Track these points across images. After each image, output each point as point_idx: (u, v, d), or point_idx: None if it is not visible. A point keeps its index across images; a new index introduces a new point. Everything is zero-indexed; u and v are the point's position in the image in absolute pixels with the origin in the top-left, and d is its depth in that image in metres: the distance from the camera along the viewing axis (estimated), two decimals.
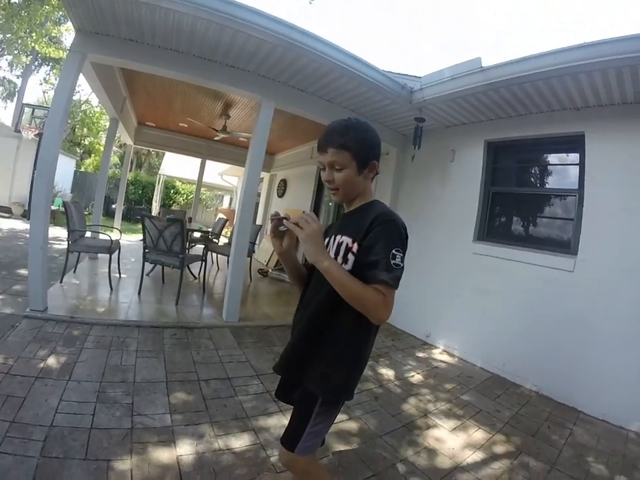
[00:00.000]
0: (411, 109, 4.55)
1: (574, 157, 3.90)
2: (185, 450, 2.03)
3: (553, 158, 4.24)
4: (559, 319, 3.62)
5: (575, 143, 3.82)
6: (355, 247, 1.28)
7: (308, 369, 1.35)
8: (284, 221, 1.30)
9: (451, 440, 2.59)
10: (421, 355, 4.34)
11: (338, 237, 1.35)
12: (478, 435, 2.71)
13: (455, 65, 3.96)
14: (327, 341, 1.33)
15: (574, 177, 3.84)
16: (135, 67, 4.08)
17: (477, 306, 4.38)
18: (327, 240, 1.41)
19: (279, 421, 2.44)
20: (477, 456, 2.43)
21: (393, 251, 1.19)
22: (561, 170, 4.12)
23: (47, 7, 8.91)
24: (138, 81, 5.69)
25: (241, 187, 4.68)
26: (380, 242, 1.21)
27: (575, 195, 3.77)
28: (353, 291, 1.17)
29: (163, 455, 1.96)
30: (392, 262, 1.17)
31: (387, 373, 3.64)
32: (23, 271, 4.66)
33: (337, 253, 1.33)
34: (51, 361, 2.72)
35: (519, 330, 3.94)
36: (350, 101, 4.67)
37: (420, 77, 4.35)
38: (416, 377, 3.64)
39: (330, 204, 8.19)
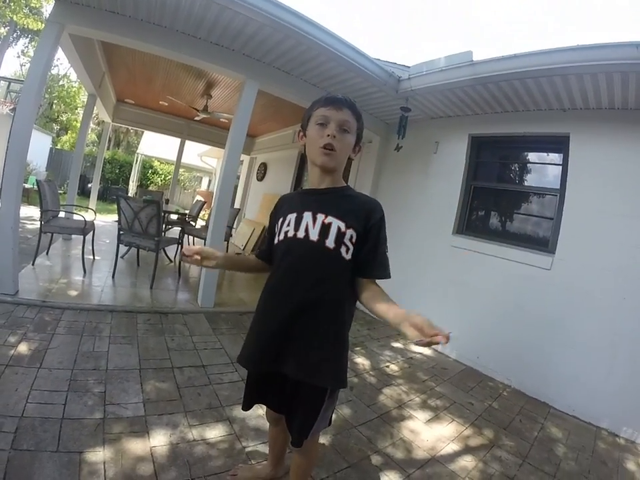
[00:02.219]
0: (397, 98, 4.50)
1: (557, 157, 3.92)
2: (158, 441, 1.97)
3: (536, 156, 4.26)
4: (534, 316, 3.68)
5: (559, 144, 3.84)
6: (352, 235, 1.25)
7: (297, 359, 1.28)
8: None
9: (426, 432, 2.61)
10: (396, 345, 4.35)
11: (321, 216, 1.28)
12: (452, 427, 2.73)
13: (445, 56, 3.93)
14: (324, 329, 1.28)
15: (556, 176, 3.86)
16: (115, 41, 3.90)
17: (453, 298, 4.41)
18: (292, 215, 1.34)
19: (254, 411, 2.36)
20: (451, 448, 2.45)
21: (387, 245, 1.32)
22: (544, 169, 4.14)
23: None
24: (118, 55, 5.49)
25: (220, 169, 4.56)
26: (383, 239, 1.30)
27: (556, 195, 3.80)
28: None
29: (136, 446, 1.90)
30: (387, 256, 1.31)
31: (363, 362, 3.64)
32: None
33: (322, 234, 1.26)
34: (22, 347, 2.63)
35: (494, 324, 3.98)
36: (336, 86, 4.57)
37: (409, 67, 4.31)
38: (391, 367, 3.65)
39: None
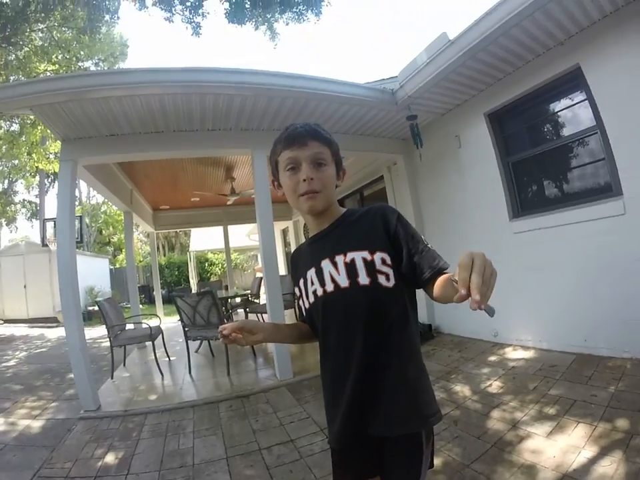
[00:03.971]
0: (399, 110, 4.42)
1: (579, 94, 3.61)
2: None
3: (559, 104, 3.91)
4: (628, 269, 3.25)
5: (574, 79, 3.56)
6: (382, 258, 1.08)
7: (382, 415, 1.09)
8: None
9: (550, 447, 2.25)
10: (493, 358, 3.98)
11: (340, 257, 1.12)
12: (578, 431, 2.35)
13: (424, 48, 3.82)
14: (398, 372, 1.09)
15: (588, 114, 3.53)
16: (123, 159, 4.26)
17: (534, 287, 4.03)
18: (311, 271, 1.18)
19: None
20: (583, 457, 2.09)
21: (423, 237, 1.12)
22: (573, 112, 3.77)
23: (40, 127, 9.45)
24: (138, 169, 5.91)
25: (259, 242, 4.64)
26: (417, 236, 1.11)
27: (597, 132, 3.45)
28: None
29: None
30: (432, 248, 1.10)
31: (462, 389, 3.32)
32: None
33: (351, 275, 1.09)
34: (109, 457, 2.68)
35: (589, 297, 3.56)
36: (339, 123, 4.56)
37: (396, 76, 4.25)
38: (494, 385, 3.29)
39: None
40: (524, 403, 2.88)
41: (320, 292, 1.15)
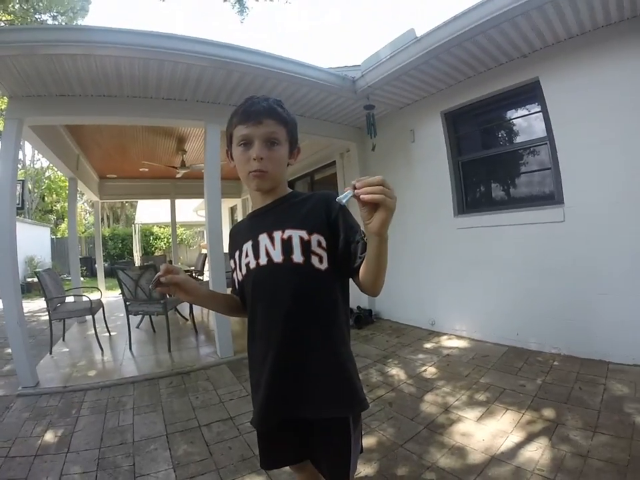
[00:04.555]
0: (359, 99, 4.44)
1: (535, 105, 3.77)
2: None
3: (514, 112, 4.09)
4: (563, 273, 3.48)
5: (532, 91, 3.71)
6: (319, 241, 1.09)
7: (306, 397, 1.09)
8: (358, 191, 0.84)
9: (479, 431, 2.39)
10: (429, 345, 4.16)
11: (278, 233, 1.11)
12: (507, 417, 2.51)
13: (390, 42, 3.83)
14: (324, 355, 1.10)
15: (540, 125, 3.71)
16: (72, 121, 4.02)
17: (473, 281, 4.23)
18: (247, 244, 1.17)
19: None
20: (511, 441, 2.23)
21: (361, 229, 1.09)
22: (526, 122, 3.96)
23: None
24: (86, 134, 5.59)
25: (205, 218, 4.54)
26: (355, 225, 1.12)
27: (546, 143, 3.64)
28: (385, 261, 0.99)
29: None
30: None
31: (397, 373, 3.45)
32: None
33: (286, 251, 1.09)
34: (48, 436, 2.63)
35: (525, 294, 3.78)
36: (297, 105, 4.52)
37: (359, 65, 4.27)
38: (429, 371, 3.44)
39: None
40: (456, 388, 3.03)
41: (253, 264, 1.15)
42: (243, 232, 1.25)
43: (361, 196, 0.83)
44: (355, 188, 0.83)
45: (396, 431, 2.48)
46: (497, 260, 4.03)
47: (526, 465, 1.99)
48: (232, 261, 1.26)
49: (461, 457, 2.15)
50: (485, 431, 2.38)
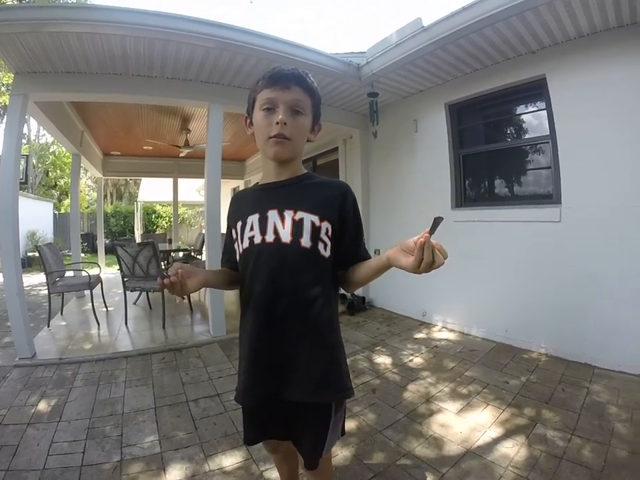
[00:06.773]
0: (363, 85, 4.40)
1: (539, 102, 3.72)
2: (174, 476, 1.94)
3: (517, 108, 4.04)
4: (556, 274, 3.47)
5: (537, 88, 3.65)
6: (327, 229, 1.10)
7: (295, 379, 1.11)
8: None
9: (458, 423, 2.42)
10: (418, 336, 4.19)
11: (289, 212, 1.11)
12: (487, 412, 2.54)
13: (397, 30, 3.77)
14: (318, 340, 1.12)
15: (543, 123, 3.67)
16: (79, 98, 4.05)
17: (466, 274, 4.22)
18: (254, 216, 1.14)
19: None
20: (488, 436, 2.26)
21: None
22: (529, 119, 3.92)
23: None
24: (91, 111, 5.60)
25: (204, 198, 4.57)
26: (361, 224, 1.20)
27: (548, 141, 3.60)
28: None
29: None
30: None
31: (384, 361, 3.49)
32: None
33: (296, 233, 1.09)
34: (42, 405, 2.71)
35: (517, 292, 3.79)
36: None
37: (365, 52, 4.25)
38: (415, 361, 3.47)
39: None
40: (440, 380, 3.06)
41: (258, 239, 1.13)
42: (250, 202, 1.22)
43: (435, 249, 0.96)
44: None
45: (376, 417, 2.53)
46: (491, 255, 4.03)
47: (500, 461, 2.02)
48: (233, 230, 1.24)
49: (437, 447, 2.18)
50: (464, 424, 2.41)
